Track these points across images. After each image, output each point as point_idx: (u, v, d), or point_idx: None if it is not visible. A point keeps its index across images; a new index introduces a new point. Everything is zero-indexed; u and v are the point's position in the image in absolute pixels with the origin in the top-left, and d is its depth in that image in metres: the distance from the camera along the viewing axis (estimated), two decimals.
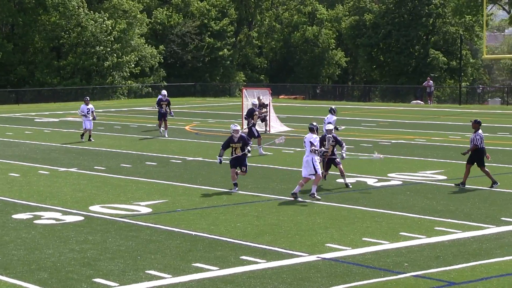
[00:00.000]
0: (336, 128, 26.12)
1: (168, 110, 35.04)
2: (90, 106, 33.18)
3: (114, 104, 63.23)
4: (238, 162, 20.54)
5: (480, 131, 20.99)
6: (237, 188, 20.30)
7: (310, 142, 19.12)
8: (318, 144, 19.28)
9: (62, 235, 15.32)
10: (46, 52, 71.89)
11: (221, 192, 20.21)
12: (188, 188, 20.86)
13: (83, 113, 32.99)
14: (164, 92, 36.18)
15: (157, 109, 35.42)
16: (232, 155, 20.60)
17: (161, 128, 35.09)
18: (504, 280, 12.02)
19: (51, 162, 26.61)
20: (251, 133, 28.52)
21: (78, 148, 30.76)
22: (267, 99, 36.98)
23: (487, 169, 20.91)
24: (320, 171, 19.15)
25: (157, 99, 35.76)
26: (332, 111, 27.39)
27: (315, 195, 18.81)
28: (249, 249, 14.09)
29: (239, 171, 20.57)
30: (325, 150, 19.96)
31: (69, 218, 16.91)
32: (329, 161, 21.05)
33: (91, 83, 70.70)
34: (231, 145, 20.68)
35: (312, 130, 19.38)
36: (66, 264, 13.13)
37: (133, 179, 22.50)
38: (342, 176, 20.97)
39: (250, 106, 31.48)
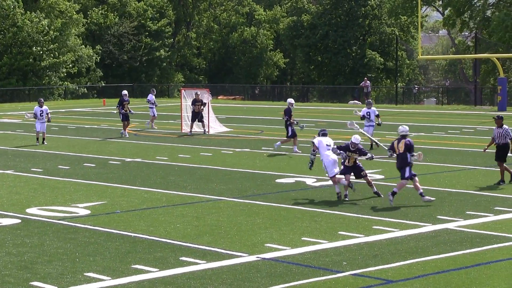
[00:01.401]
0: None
1: (128, 109, 35.57)
2: (44, 107, 32.39)
3: (50, 105, 62.38)
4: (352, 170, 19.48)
5: (505, 126, 21.38)
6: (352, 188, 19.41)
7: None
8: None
9: None
10: None
11: (160, 193, 20.13)
12: (127, 190, 20.72)
13: (35, 115, 32.02)
14: (125, 92, 36.31)
15: (117, 111, 35.73)
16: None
17: (125, 130, 35.10)
18: (439, 278, 12.22)
19: None
20: (287, 132, 28.99)
21: (14, 150, 30.30)
22: (206, 98, 36.97)
23: (506, 166, 21.24)
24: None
25: (119, 100, 35.72)
26: (368, 104, 30.19)
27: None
28: (189, 250, 14.07)
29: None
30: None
31: (6, 221, 16.66)
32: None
33: (27, 84, 69.67)
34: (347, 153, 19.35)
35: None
36: (2, 268, 12.93)
37: (71, 181, 22.26)
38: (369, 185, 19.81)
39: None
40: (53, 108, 58.38)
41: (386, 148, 19.63)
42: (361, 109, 30.57)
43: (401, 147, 18.74)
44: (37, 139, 32.09)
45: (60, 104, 64.42)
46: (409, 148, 18.70)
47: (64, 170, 24.62)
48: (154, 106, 39.83)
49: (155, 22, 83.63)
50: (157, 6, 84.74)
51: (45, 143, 31.92)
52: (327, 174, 19.68)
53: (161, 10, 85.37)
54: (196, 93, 36.57)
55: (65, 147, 31.03)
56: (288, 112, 29.05)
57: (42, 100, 33.23)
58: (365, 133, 24.12)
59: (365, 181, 19.55)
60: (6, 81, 69.27)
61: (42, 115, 32.00)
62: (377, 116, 30.02)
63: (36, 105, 32.93)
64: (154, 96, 40.47)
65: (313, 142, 19.91)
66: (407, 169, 18.60)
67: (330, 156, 19.36)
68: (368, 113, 29.83)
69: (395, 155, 18.97)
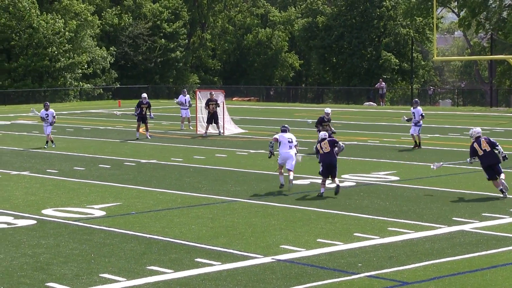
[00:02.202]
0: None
1: (149, 112, 35.05)
2: (50, 111, 32.23)
3: (66, 107, 62.69)
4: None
5: None
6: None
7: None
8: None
9: (14, 239, 15.14)
10: None
11: (175, 194, 20.16)
12: (142, 191, 20.77)
13: (42, 118, 31.87)
14: (144, 95, 36.00)
15: (135, 113, 35.21)
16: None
17: (139, 132, 35.04)
18: (455, 280, 12.18)
19: (3, 165, 26.28)
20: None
21: (30, 151, 30.43)
22: (220, 99, 37.03)
23: None
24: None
25: (138, 102, 35.52)
26: (415, 103, 30.77)
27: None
28: (204, 251, 14.07)
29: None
30: None
31: (21, 222, 16.73)
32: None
33: (43, 85, 69.97)
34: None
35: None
36: (18, 269, 12.98)
37: (86, 182, 22.32)
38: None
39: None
40: (68, 109, 58.67)
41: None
42: (409, 116, 30.58)
43: (486, 146, 19.15)
44: (47, 142, 31.84)
45: (75, 106, 64.67)
46: (493, 144, 19.23)
47: (79, 171, 24.70)
48: (187, 108, 39.55)
49: (170, 23, 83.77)
50: (172, 8, 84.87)
51: (54, 145, 31.66)
52: (278, 161, 21.00)
53: (176, 12, 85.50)
54: (210, 93, 36.66)
55: (80, 149, 31.12)
56: (319, 122, 28.26)
57: (48, 104, 32.99)
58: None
59: (354, 184, 19.75)
60: (21, 82, 69.57)
61: (48, 118, 31.79)
62: (422, 116, 30.11)
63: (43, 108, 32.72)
64: (186, 97, 39.82)
65: (275, 138, 21.12)
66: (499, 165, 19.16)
67: (290, 152, 20.72)
68: (413, 113, 30.15)
69: (476, 159, 19.53)
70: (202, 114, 37.71)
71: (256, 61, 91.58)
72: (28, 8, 69.07)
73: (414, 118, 30.03)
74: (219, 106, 36.17)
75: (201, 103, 38.27)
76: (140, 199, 19.53)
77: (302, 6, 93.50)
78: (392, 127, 40.55)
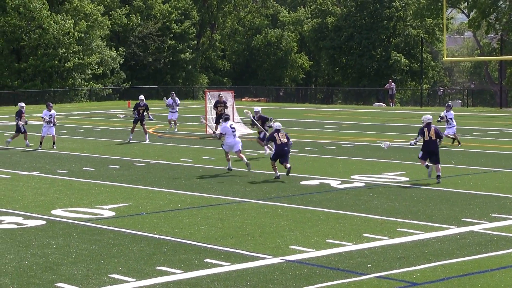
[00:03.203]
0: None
1: (147, 114, 34.50)
2: (53, 112, 32.21)
3: (76, 107, 62.84)
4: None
5: None
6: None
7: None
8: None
9: (24, 239, 15.18)
10: (6, 54, 71.11)
11: (184, 195, 20.17)
12: (152, 191, 20.79)
13: (43, 117, 31.79)
14: (141, 97, 35.59)
15: (133, 115, 34.94)
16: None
17: (132, 133, 34.92)
18: (464, 280, 12.16)
19: (12, 166, 26.36)
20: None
21: (39, 152, 30.50)
22: (229, 101, 37.06)
23: None
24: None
25: (135, 105, 35.25)
26: (448, 107, 32.10)
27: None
28: (213, 252, 14.08)
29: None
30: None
31: (31, 222, 16.76)
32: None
33: (52, 85, 70.14)
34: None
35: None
36: (27, 269, 13.01)
37: (96, 183, 22.36)
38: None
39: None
40: (77, 109, 58.79)
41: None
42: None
43: (432, 134, 21.56)
44: (41, 143, 31.55)
45: (84, 106, 64.81)
46: (439, 135, 21.89)
47: (89, 171, 24.74)
48: (175, 110, 39.59)
49: (179, 24, 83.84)
50: (181, 8, 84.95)
51: (55, 147, 31.46)
52: (223, 147, 24.33)
53: (186, 12, 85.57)
54: (219, 95, 36.70)
55: (90, 149, 31.18)
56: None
57: (51, 104, 32.86)
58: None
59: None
60: (31, 83, 69.77)
61: (51, 119, 31.69)
62: (451, 118, 31.43)
63: (45, 109, 32.38)
64: (175, 99, 39.94)
65: (220, 130, 24.61)
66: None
67: (235, 139, 24.23)
68: (446, 116, 31.43)
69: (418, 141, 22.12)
70: (212, 115, 37.75)
71: (265, 61, 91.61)
72: (38, 8, 69.26)
73: (446, 120, 31.40)
74: (227, 108, 36.24)
75: (210, 104, 38.30)
76: (149, 199, 19.56)
77: (311, 7, 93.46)
78: (401, 128, 40.48)
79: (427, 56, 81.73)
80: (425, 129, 21.65)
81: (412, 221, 16.55)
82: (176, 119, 40.08)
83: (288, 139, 22.97)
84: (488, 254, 13.76)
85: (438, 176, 21.54)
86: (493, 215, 17.17)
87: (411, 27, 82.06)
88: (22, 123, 32.11)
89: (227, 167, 24.45)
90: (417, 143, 22.41)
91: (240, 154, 24.25)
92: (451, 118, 31.28)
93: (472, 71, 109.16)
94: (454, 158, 27.12)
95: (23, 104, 33.31)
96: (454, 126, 31.37)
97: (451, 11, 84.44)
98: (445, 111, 31.95)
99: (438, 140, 22.01)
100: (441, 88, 79.21)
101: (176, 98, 40.60)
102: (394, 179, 22.58)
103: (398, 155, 28.34)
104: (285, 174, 22.69)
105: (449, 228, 15.85)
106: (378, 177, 22.91)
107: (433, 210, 17.79)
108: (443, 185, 21.24)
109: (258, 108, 29.71)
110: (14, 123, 33.36)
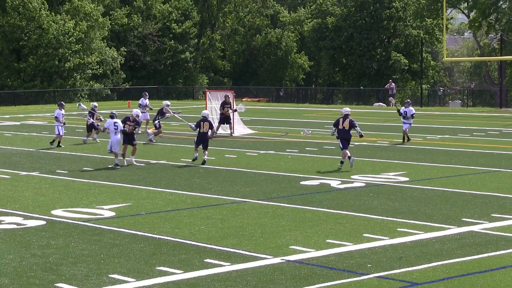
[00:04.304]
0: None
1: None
2: (63, 111, 32.14)
3: (75, 107, 62.74)
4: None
5: None
6: None
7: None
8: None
9: (24, 240, 15.18)
10: (5, 54, 71.13)
11: (184, 195, 20.18)
12: (152, 192, 20.79)
13: (58, 119, 31.65)
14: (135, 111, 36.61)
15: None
16: None
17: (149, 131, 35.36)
18: (464, 280, 12.16)
19: (12, 166, 26.36)
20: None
21: (39, 152, 30.51)
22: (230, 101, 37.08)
23: None
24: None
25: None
26: (407, 103, 33.26)
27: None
28: (214, 252, 14.08)
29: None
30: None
31: (31, 223, 16.76)
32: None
33: (52, 85, 70.15)
34: None
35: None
36: (27, 269, 13.02)
37: (96, 183, 22.37)
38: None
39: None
40: (77, 109, 58.64)
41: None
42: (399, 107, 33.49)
43: (346, 125, 24.49)
44: (52, 142, 31.81)
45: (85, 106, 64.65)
46: (353, 125, 24.45)
47: (89, 172, 24.75)
48: (145, 111, 38.42)
49: (179, 24, 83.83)
50: (182, 9, 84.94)
51: (53, 146, 31.69)
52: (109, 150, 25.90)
53: (186, 13, 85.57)
54: (226, 96, 36.56)
55: (90, 149, 31.18)
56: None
57: (63, 104, 32.92)
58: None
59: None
60: (31, 83, 69.79)
61: (62, 119, 31.67)
62: (412, 116, 32.59)
63: (57, 108, 32.46)
64: (146, 100, 39.27)
65: (105, 127, 26.58)
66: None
67: (116, 137, 25.73)
68: (405, 112, 32.53)
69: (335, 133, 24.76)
70: (212, 115, 37.74)
71: (266, 62, 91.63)
72: (38, 8, 69.28)
73: (406, 116, 32.37)
74: (235, 111, 36.41)
75: (210, 104, 38.30)
76: (149, 199, 19.56)
77: (311, 7, 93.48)
78: (401, 128, 40.41)
79: (427, 56, 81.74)
80: (341, 120, 24.67)
81: (412, 221, 16.56)
82: (148, 119, 38.79)
83: (211, 127, 26.72)
84: (488, 254, 13.76)
85: (350, 157, 24.26)
86: (493, 215, 17.18)
87: (411, 28, 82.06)
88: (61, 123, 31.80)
89: (116, 164, 25.71)
90: (334, 133, 25.00)
91: (120, 152, 25.96)
92: (412, 115, 32.29)
93: (472, 71, 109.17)
94: (454, 158, 27.13)
95: (95, 103, 35.70)
96: (410, 124, 32.38)
97: (451, 11, 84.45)
98: (404, 107, 32.89)
99: (352, 129, 24.59)
100: (441, 88, 79.23)
101: (147, 100, 39.64)
102: (394, 179, 22.59)
103: (398, 155, 28.35)
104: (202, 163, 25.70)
105: (449, 228, 15.86)
106: (378, 177, 22.92)
107: (433, 210, 17.79)
108: (443, 185, 21.25)
109: (167, 102, 34.90)
110: (15, 123, 33.48)
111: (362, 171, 24.04)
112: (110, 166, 25.73)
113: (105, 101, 72.05)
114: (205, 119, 26.67)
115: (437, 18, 76.97)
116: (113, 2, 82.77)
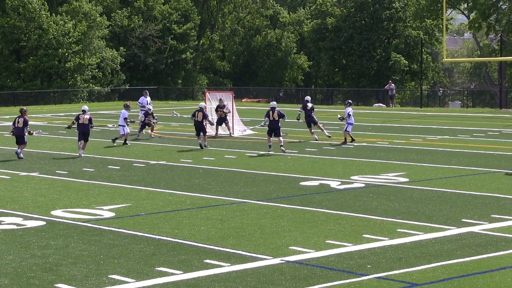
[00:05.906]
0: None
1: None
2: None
3: (75, 108, 62.78)
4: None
5: None
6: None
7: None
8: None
9: (23, 240, 15.18)
10: (5, 55, 71.12)
11: (184, 195, 20.18)
12: (152, 192, 20.80)
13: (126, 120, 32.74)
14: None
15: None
16: None
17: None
18: (464, 281, 12.16)
19: (12, 166, 26.36)
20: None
21: (39, 152, 30.51)
22: (228, 102, 37.09)
23: None
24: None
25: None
26: (348, 104, 34.04)
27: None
28: (213, 252, 14.08)
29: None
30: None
31: (30, 223, 16.76)
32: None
33: (52, 86, 70.15)
34: None
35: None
36: (27, 270, 13.02)
37: (95, 183, 22.37)
38: None
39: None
40: (77, 110, 58.62)
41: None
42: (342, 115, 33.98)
43: (275, 116, 29.24)
44: (125, 140, 33.00)
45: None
46: (282, 116, 29.27)
47: (88, 172, 24.75)
48: (145, 110, 38.23)
49: (180, 25, 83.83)
50: (182, 10, 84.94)
51: (128, 143, 33.34)
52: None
53: (186, 14, 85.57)
54: (220, 99, 36.74)
55: (89, 150, 31.17)
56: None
57: (130, 105, 33.90)
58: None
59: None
60: (31, 83, 69.78)
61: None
62: (348, 115, 32.94)
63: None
64: (147, 98, 39.21)
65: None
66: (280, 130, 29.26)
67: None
68: (349, 114, 32.99)
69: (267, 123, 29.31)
70: (212, 115, 37.77)
71: (265, 62, 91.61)
72: (38, 9, 69.29)
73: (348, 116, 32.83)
74: (229, 112, 36.42)
75: (210, 104, 38.34)
76: (149, 200, 19.56)
77: (311, 8, 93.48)
78: (401, 129, 40.50)
79: (426, 57, 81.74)
80: (270, 112, 29.48)
81: (412, 222, 16.56)
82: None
83: (205, 117, 31.06)
84: (488, 255, 13.76)
85: (281, 146, 28.75)
86: (493, 216, 17.18)
87: (411, 28, 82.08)
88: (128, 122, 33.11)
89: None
90: (266, 123, 29.51)
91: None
92: (349, 115, 32.54)
93: (472, 72, 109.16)
94: (454, 159, 27.13)
95: (150, 107, 36.03)
96: (352, 124, 32.65)
97: (451, 12, 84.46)
98: (346, 108, 33.50)
99: (280, 119, 29.20)
100: (440, 89, 79.20)
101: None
102: (393, 179, 22.59)
103: (398, 155, 28.35)
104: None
105: (449, 229, 15.86)
106: (378, 177, 22.92)
107: (433, 211, 17.79)
108: (443, 185, 21.25)
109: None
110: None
111: (362, 172, 24.04)
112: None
113: (105, 102, 72.08)
114: (200, 109, 31.13)
115: (437, 19, 76.97)
116: (113, 3, 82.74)
